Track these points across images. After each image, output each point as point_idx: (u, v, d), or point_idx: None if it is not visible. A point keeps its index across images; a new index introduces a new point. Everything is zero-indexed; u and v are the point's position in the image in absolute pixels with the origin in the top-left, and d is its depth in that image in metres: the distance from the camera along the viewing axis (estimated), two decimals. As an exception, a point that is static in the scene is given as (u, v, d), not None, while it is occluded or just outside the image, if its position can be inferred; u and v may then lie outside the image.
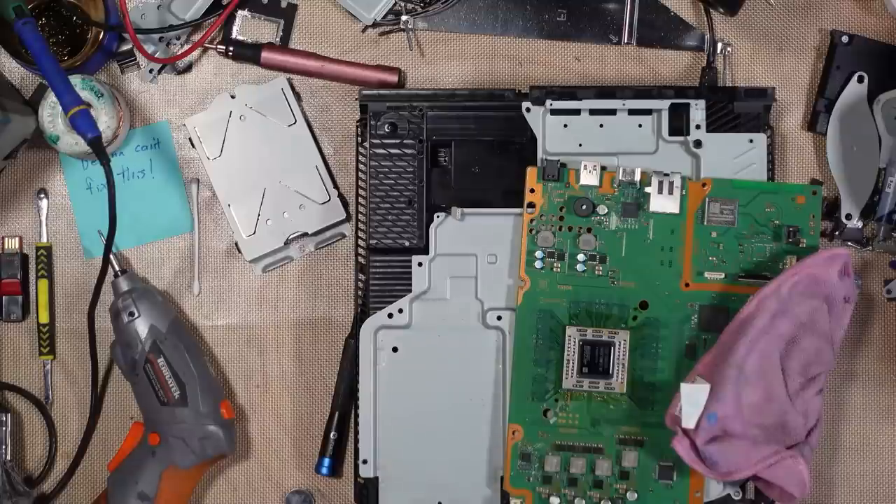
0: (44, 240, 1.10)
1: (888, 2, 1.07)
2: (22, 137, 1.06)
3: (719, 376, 0.98)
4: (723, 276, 1.03)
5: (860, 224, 1.07)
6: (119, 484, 1.05)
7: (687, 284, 1.03)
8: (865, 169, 1.06)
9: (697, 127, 1.04)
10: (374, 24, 1.09)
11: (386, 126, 1.05)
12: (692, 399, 0.97)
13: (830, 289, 1.00)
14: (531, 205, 1.03)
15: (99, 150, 1.00)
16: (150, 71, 1.10)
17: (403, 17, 1.08)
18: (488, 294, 1.04)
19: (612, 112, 1.05)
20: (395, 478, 1.04)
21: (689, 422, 0.97)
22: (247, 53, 1.09)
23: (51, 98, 1.05)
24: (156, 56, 1.08)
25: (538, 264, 1.03)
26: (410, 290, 1.04)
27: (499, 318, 1.04)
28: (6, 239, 1.09)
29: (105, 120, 1.05)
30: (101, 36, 1.07)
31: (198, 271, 1.10)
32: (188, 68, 1.10)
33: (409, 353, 1.04)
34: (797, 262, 1.01)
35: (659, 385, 1.02)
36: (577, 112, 1.05)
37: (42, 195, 1.10)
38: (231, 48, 1.09)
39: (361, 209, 1.06)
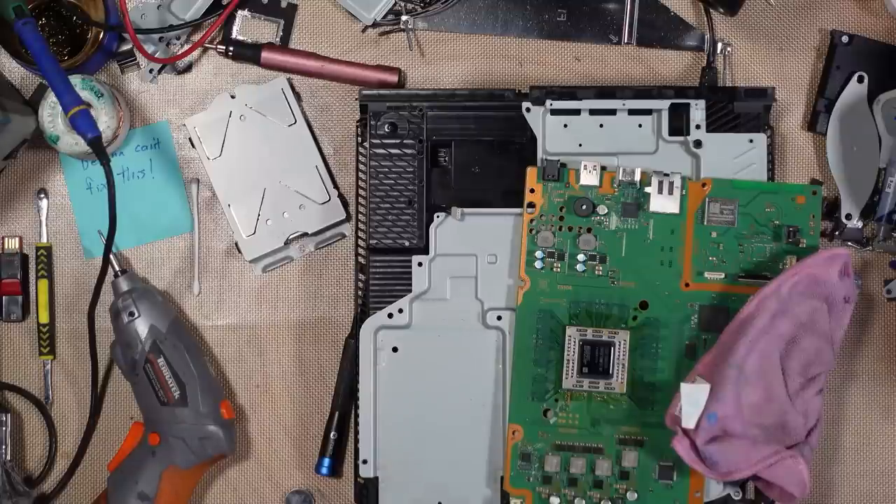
0: (44, 240, 1.10)
1: (888, 2, 1.07)
2: (22, 137, 1.06)
3: (719, 376, 0.98)
4: (723, 276, 1.03)
5: (860, 224, 1.07)
6: (119, 484, 1.05)
7: (687, 284, 1.03)
8: (865, 169, 1.06)
9: (697, 127, 1.04)
10: (374, 24, 1.09)
11: (386, 126, 1.05)
12: (692, 399, 0.97)
13: (830, 289, 1.00)
14: (531, 205, 1.03)
15: (99, 150, 1.00)
16: (150, 71, 1.10)
17: (403, 17, 1.08)
18: (488, 294, 1.04)
19: (612, 112, 1.05)
20: (395, 478, 1.04)
21: (689, 422, 0.97)
22: (247, 53, 1.09)
23: (51, 98, 1.05)
24: (156, 56, 1.08)
25: (538, 264, 1.03)
26: (410, 290, 1.04)
27: (499, 318, 1.04)
28: (6, 239, 1.09)
29: (105, 120, 1.05)
30: (101, 36, 1.07)
31: (198, 271, 1.10)
32: (188, 68, 1.10)
33: (409, 353, 1.04)
34: (797, 262, 1.01)
35: (659, 385, 1.02)
36: (577, 112, 1.05)
37: (42, 195, 1.10)
38: (231, 48, 1.09)
39: (361, 209, 1.06)
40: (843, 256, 1.00)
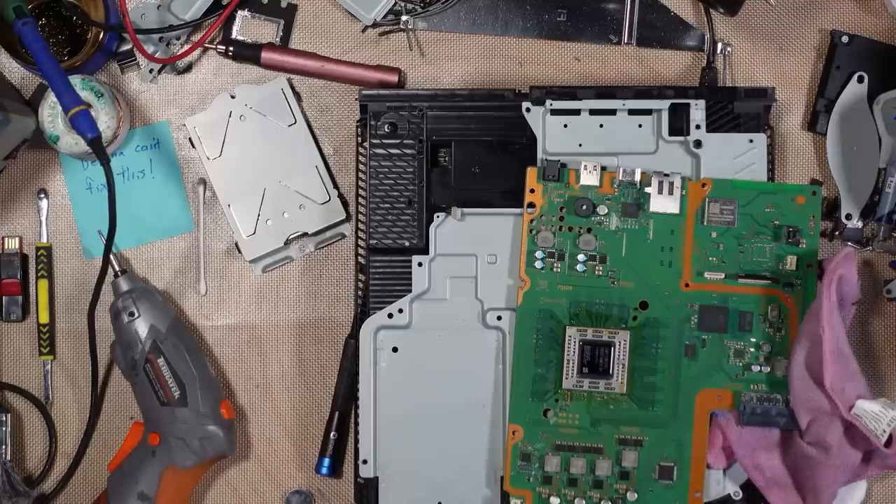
0: (44, 240, 1.10)
1: (888, 2, 1.07)
2: (22, 137, 1.06)
3: (852, 364, 0.98)
4: (723, 276, 1.03)
5: (860, 224, 1.07)
6: (119, 484, 1.05)
7: (687, 284, 1.03)
8: (865, 169, 1.06)
9: (697, 127, 1.04)
10: (374, 24, 1.09)
11: (386, 126, 1.05)
12: (870, 416, 0.96)
13: (851, 288, 1.00)
14: (531, 205, 1.03)
15: (99, 150, 1.00)
16: (150, 71, 1.10)
17: (403, 17, 1.08)
18: (488, 294, 1.04)
19: (612, 112, 1.05)
20: (395, 478, 1.04)
21: (884, 438, 0.96)
22: (247, 53, 1.09)
23: (51, 98, 1.05)
24: (156, 56, 1.08)
25: (538, 264, 1.03)
26: (410, 290, 1.04)
27: (499, 318, 1.04)
28: (6, 239, 1.09)
29: (105, 120, 1.05)
30: (101, 36, 1.07)
31: (204, 271, 1.10)
32: (188, 68, 1.10)
33: (409, 353, 1.04)
34: (829, 262, 1.00)
35: (659, 385, 1.02)
36: (577, 112, 1.05)
37: (42, 195, 1.10)
38: (231, 48, 1.09)
39: (361, 209, 1.06)
40: (853, 253, 1.00)
